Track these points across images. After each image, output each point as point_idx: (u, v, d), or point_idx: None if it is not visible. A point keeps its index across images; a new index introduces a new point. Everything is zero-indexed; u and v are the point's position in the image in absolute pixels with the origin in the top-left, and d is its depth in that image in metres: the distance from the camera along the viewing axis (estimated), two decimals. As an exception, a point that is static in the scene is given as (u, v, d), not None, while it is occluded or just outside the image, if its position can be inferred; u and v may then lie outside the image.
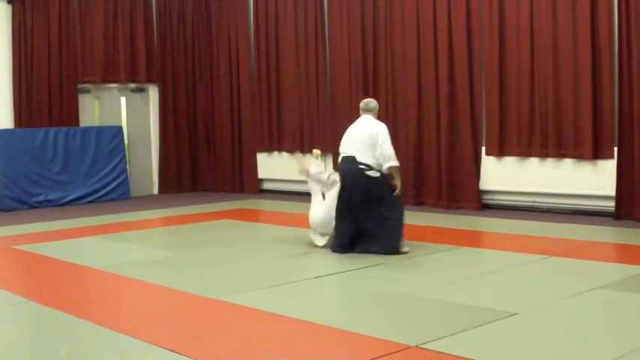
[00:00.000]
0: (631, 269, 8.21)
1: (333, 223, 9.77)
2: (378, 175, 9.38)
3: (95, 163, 16.25)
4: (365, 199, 9.37)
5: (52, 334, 6.55)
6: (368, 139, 9.47)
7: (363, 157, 9.42)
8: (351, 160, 9.52)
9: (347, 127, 14.88)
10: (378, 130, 9.50)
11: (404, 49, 14.14)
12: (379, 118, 10.03)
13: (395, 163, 9.38)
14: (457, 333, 6.02)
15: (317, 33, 15.72)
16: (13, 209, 14.98)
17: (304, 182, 15.79)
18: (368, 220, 9.42)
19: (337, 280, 8.28)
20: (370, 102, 10.03)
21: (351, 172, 9.49)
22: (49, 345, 6.27)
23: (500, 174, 12.98)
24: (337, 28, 15.34)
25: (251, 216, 13.84)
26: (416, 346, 5.71)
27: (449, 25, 13.49)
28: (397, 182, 9.38)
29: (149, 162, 17.88)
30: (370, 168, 9.39)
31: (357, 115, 14.70)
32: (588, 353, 5.55)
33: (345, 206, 9.52)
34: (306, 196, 15.46)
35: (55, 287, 8.39)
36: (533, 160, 12.63)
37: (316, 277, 8.31)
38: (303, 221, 11.93)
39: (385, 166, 9.36)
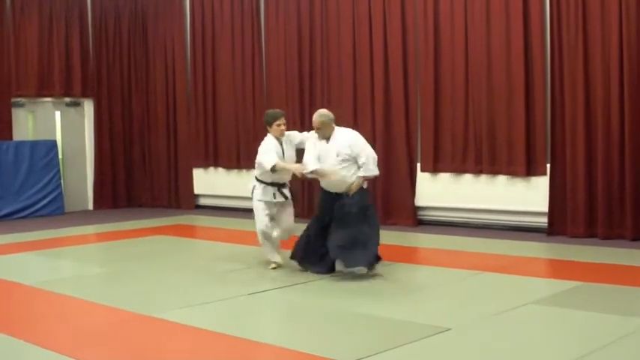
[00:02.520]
0: (562, 284, 8.32)
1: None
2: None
3: (29, 178, 16.04)
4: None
5: (-17, 352, 6.47)
6: None
7: None
8: None
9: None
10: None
11: (340, 64, 14.21)
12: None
13: None
14: (391, 349, 6.05)
15: (254, 48, 15.72)
16: (-56, 224, 14.74)
17: (240, 198, 15.85)
18: None
19: (271, 296, 8.27)
20: None
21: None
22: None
23: (435, 190, 13.08)
24: (274, 43, 15.36)
25: (187, 232, 13.77)
26: (350, 362, 5.73)
27: (384, 43, 13.58)
28: None
29: (84, 177, 17.70)
30: None
31: (293, 130, 14.84)
32: (520, 368, 5.62)
33: None
34: (241, 212, 15.48)
35: (-14, 304, 8.28)
36: (468, 177, 12.76)
37: (250, 294, 8.29)
38: (238, 237, 11.92)
39: None
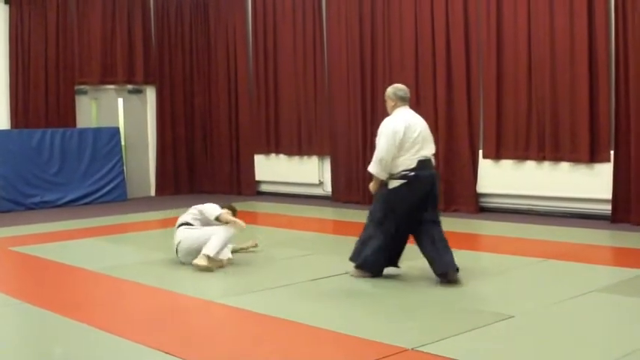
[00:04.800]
0: (627, 272, 8.22)
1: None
2: None
3: (92, 165, 16.23)
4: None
5: (48, 336, 6.55)
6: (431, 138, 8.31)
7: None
8: (430, 164, 8.15)
9: (344, 128, 15.04)
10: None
11: (402, 52, 14.14)
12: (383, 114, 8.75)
13: None
14: (454, 336, 6.02)
15: (315, 34, 15.72)
16: (10, 210, 14.93)
17: (301, 185, 15.89)
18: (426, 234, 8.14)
19: (333, 282, 8.25)
20: (407, 90, 8.39)
21: (433, 178, 8.13)
22: (44, 347, 6.26)
23: (497, 177, 12.98)
24: (335, 29, 15.34)
25: (248, 218, 13.71)
26: (412, 348, 5.70)
27: (446, 29, 13.49)
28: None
29: (146, 163, 17.87)
30: None
31: (355, 116, 14.83)
32: (585, 356, 5.55)
33: (406, 221, 8.11)
34: (302, 198, 15.53)
35: (51, 289, 8.37)
36: (530, 164, 12.63)
37: (312, 280, 8.29)
38: (299, 224, 11.94)
39: None
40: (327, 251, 10.04)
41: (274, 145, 16.63)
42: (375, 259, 8.19)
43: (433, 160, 8.24)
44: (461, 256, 9.37)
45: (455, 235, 11.00)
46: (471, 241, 10.92)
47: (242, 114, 17.33)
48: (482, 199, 13.30)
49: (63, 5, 16.31)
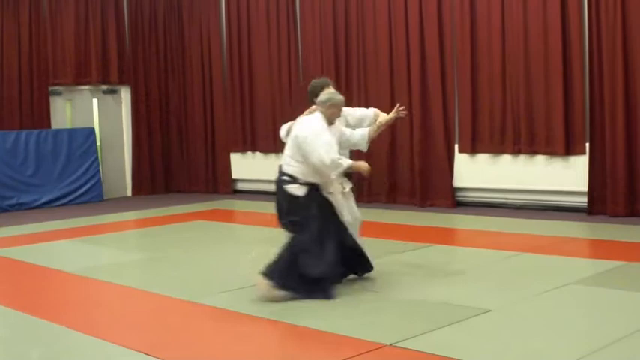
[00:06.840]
0: (603, 264, 8.27)
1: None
2: (300, 193, 7.67)
3: (68, 166, 16.15)
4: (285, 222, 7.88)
5: (25, 338, 6.52)
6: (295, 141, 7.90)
7: (290, 166, 7.88)
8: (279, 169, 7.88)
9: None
10: (306, 134, 7.81)
11: (376, 47, 14.14)
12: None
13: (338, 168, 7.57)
14: (431, 331, 6.03)
15: (289, 32, 15.70)
16: (-15, 213, 14.87)
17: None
18: None
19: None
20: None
21: (276, 185, 7.94)
22: (21, 349, 6.23)
23: (473, 171, 13.02)
24: (309, 27, 15.32)
25: (225, 217, 13.81)
26: (390, 344, 5.72)
27: (420, 23, 13.50)
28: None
29: (122, 164, 17.81)
30: (294, 180, 7.77)
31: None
32: (562, 348, 5.57)
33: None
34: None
35: (29, 291, 8.33)
36: (506, 157, 12.67)
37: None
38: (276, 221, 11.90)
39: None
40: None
41: (250, 144, 16.61)
42: None
43: (283, 169, 8.01)
44: (437, 251, 9.45)
45: (432, 229, 11.08)
46: (448, 236, 10.96)
47: (217, 113, 17.29)
48: (459, 194, 13.33)
49: (35, 4, 16.21)
